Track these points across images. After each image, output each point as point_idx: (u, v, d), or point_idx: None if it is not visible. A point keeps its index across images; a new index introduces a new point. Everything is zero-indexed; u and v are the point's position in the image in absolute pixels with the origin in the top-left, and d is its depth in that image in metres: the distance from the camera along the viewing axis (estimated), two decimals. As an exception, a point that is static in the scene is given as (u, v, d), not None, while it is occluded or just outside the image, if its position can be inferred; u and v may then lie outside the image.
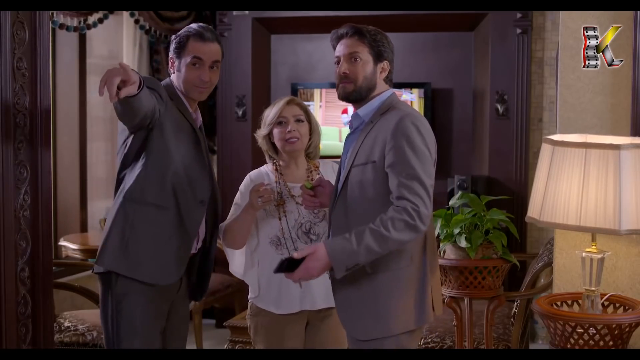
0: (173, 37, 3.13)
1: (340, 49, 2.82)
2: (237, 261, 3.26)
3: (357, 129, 2.82)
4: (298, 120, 3.20)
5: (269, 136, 3.24)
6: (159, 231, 2.97)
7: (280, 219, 3.17)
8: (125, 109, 2.74)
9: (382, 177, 2.66)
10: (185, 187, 3.00)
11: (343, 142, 2.90)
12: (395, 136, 2.64)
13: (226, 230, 3.17)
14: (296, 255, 2.63)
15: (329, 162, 3.33)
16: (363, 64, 2.78)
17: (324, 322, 3.20)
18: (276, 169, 3.25)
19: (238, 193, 3.25)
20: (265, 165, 3.31)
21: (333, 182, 2.97)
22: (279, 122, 3.20)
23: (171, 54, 3.10)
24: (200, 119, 3.16)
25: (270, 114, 3.23)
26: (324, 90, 6.15)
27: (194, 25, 3.10)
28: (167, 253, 2.98)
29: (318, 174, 3.26)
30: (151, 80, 2.97)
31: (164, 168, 2.97)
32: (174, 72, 3.10)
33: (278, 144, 3.21)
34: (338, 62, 2.82)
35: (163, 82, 3.12)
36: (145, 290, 2.96)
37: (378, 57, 2.80)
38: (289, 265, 2.62)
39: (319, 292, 3.15)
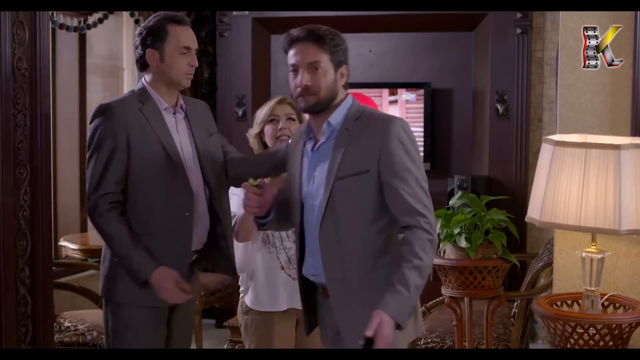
0: (140, 29, 3.00)
1: (298, 57, 2.60)
2: (238, 257, 3.26)
3: (329, 138, 2.64)
4: (289, 119, 3.24)
5: (260, 135, 3.27)
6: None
7: None
8: None
9: (376, 187, 2.56)
10: (169, 212, 2.95)
11: None
12: (391, 144, 2.53)
13: (237, 224, 3.15)
14: (368, 333, 2.45)
15: None
16: (325, 74, 2.59)
17: None
18: None
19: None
20: None
21: None
22: (271, 119, 3.25)
23: (145, 47, 2.96)
24: (182, 104, 3.07)
25: (262, 112, 3.27)
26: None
27: (161, 13, 3.01)
28: None
29: None
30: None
31: (141, 199, 2.95)
32: (154, 65, 2.97)
33: (269, 141, 3.24)
34: (294, 71, 2.62)
35: (137, 86, 3.04)
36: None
37: (338, 64, 2.62)
38: (367, 344, 2.49)
39: None
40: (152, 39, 2.96)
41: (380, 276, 2.57)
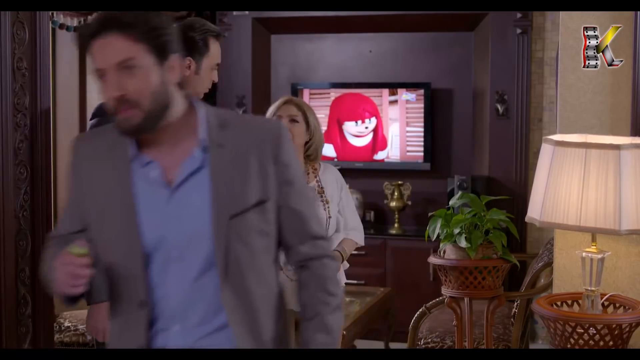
0: (185, 28, 2.84)
1: (101, 56, 1.83)
2: None
3: (204, 162, 1.91)
4: (292, 121, 3.23)
5: None
6: None
7: None
8: None
9: (275, 214, 1.97)
10: None
11: None
12: (286, 157, 1.96)
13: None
14: None
15: (330, 165, 3.32)
16: (144, 74, 1.82)
17: None
18: None
19: None
20: None
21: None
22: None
23: (186, 53, 2.60)
24: None
25: (268, 112, 3.28)
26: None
27: (202, 23, 2.93)
28: None
29: (316, 176, 3.26)
30: None
31: None
32: (185, 74, 2.66)
33: None
34: (101, 77, 1.84)
35: None
36: None
37: (162, 55, 1.85)
38: None
39: None
40: (190, 48, 2.79)
41: (283, 324, 2.14)
